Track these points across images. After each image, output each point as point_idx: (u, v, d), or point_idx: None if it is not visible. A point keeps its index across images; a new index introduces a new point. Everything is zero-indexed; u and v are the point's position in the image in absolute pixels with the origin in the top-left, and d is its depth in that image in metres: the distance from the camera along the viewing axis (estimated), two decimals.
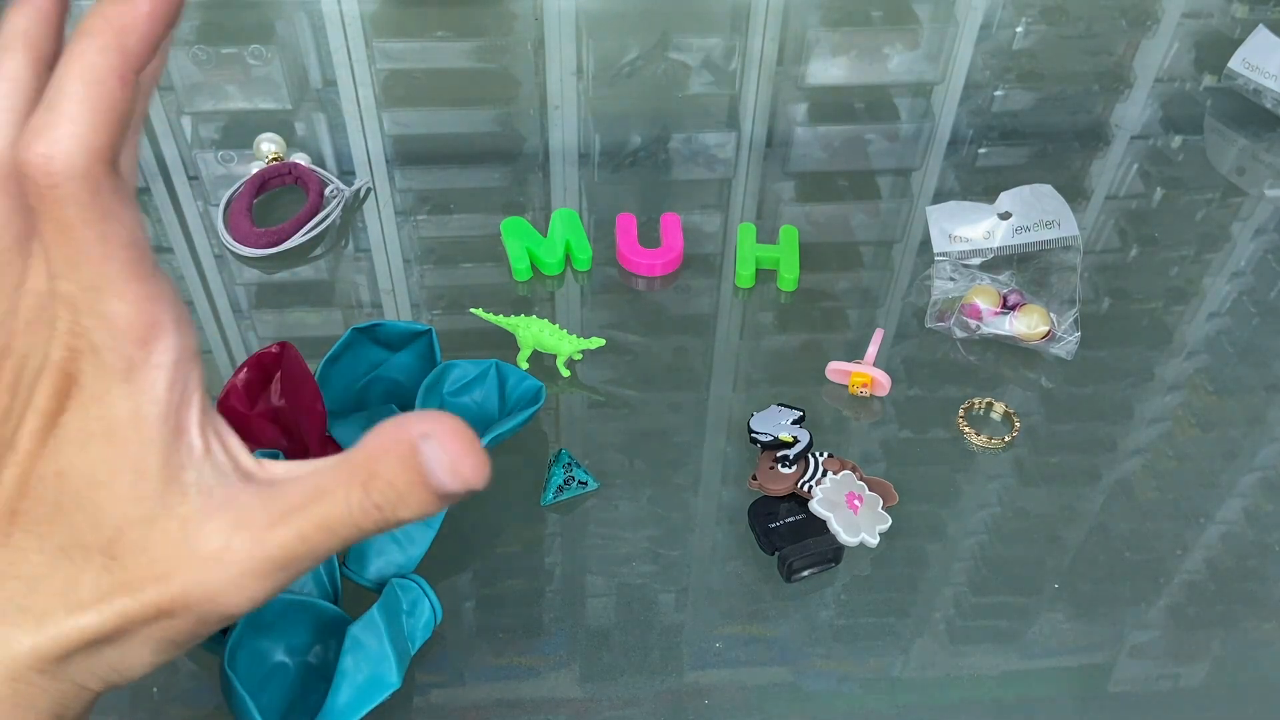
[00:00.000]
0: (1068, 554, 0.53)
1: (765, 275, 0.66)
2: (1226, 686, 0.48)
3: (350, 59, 0.81)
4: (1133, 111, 0.81)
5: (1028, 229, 0.66)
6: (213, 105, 0.78)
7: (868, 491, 0.53)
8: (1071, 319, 0.61)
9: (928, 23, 0.86)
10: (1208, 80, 0.83)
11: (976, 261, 0.66)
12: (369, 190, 0.72)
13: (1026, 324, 0.61)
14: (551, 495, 0.53)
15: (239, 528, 0.26)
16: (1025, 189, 0.67)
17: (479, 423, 0.54)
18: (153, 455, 0.26)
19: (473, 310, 0.61)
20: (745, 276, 0.65)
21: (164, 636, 0.27)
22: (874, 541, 0.51)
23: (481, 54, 0.85)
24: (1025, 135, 0.79)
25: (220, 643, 0.43)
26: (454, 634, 0.49)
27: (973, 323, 0.61)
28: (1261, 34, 0.80)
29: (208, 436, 0.27)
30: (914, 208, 0.72)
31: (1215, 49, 0.84)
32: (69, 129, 0.23)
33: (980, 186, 0.73)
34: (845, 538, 0.51)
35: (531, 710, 0.46)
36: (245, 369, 0.52)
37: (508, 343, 0.60)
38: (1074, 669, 0.49)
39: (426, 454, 0.26)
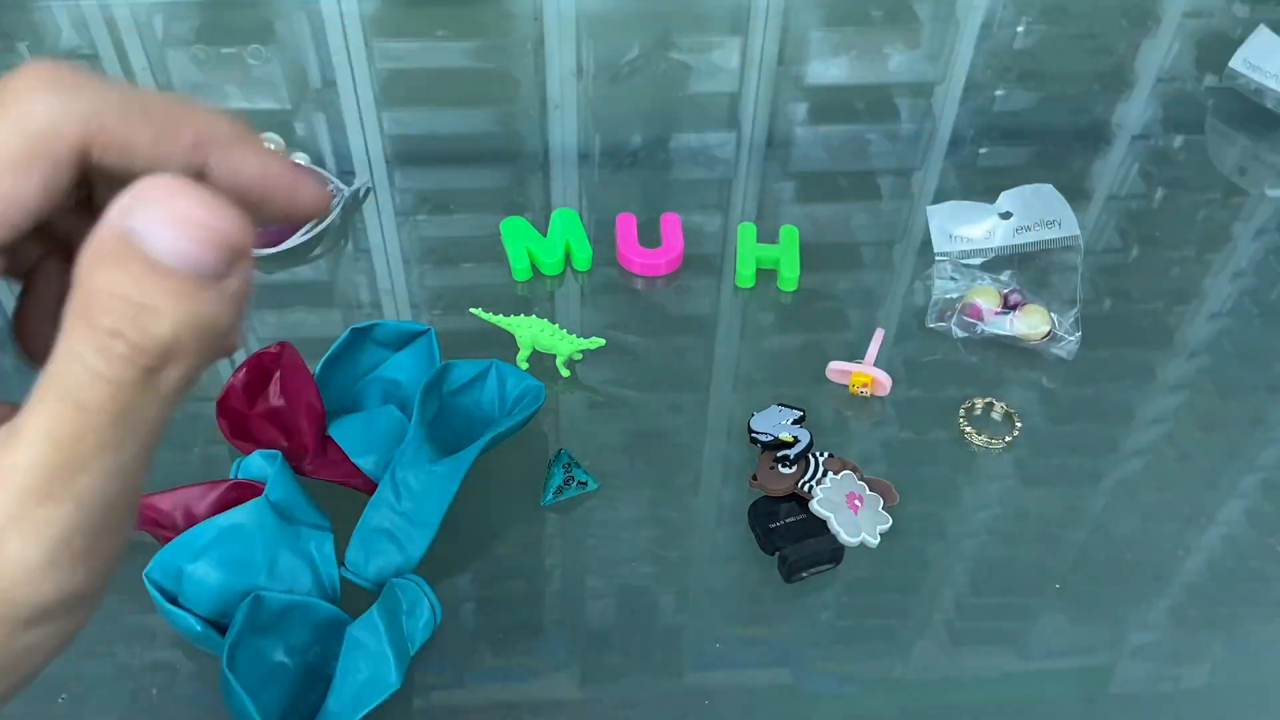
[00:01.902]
0: (1069, 555, 0.53)
1: (765, 275, 0.66)
2: (1228, 688, 0.48)
3: (350, 59, 0.81)
4: (1134, 111, 0.81)
5: (1028, 229, 0.66)
6: (213, 105, 0.78)
7: (868, 492, 0.53)
8: (1072, 319, 0.61)
9: (928, 23, 0.86)
10: (1209, 80, 0.83)
11: (977, 261, 0.66)
12: (369, 190, 0.72)
13: (1027, 324, 0.60)
14: (551, 495, 0.53)
15: None
16: (1026, 189, 0.67)
17: (479, 423, 0.54)
18: None
19: (472, 310, 0.61)
20: (745, 276, 0.65)
21: None
22: (874, 542, 0.51)
23: (481, 54, 0.85)
24: (1026, 135, 0.79)
25: (220, 643, 0.43)
26: (454, 634, 0.49)
27: (973, 323, 0.61)
28: (1262, 33, 0.79)
29: None
30: (914, 208, 0.72)
31: (1216, 48, 0.84)
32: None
33: (981, 186, 0.73)
34: (845, 538, 0.51)
35: (531, 710, 0.46)
36: (245, 369, 0.52)
37: (508, 343, 0.60)
38: (1075, 670, 0.49)
39: (138, 226, 0.20)
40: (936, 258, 0.66)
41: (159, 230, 0.20)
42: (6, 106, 0.22)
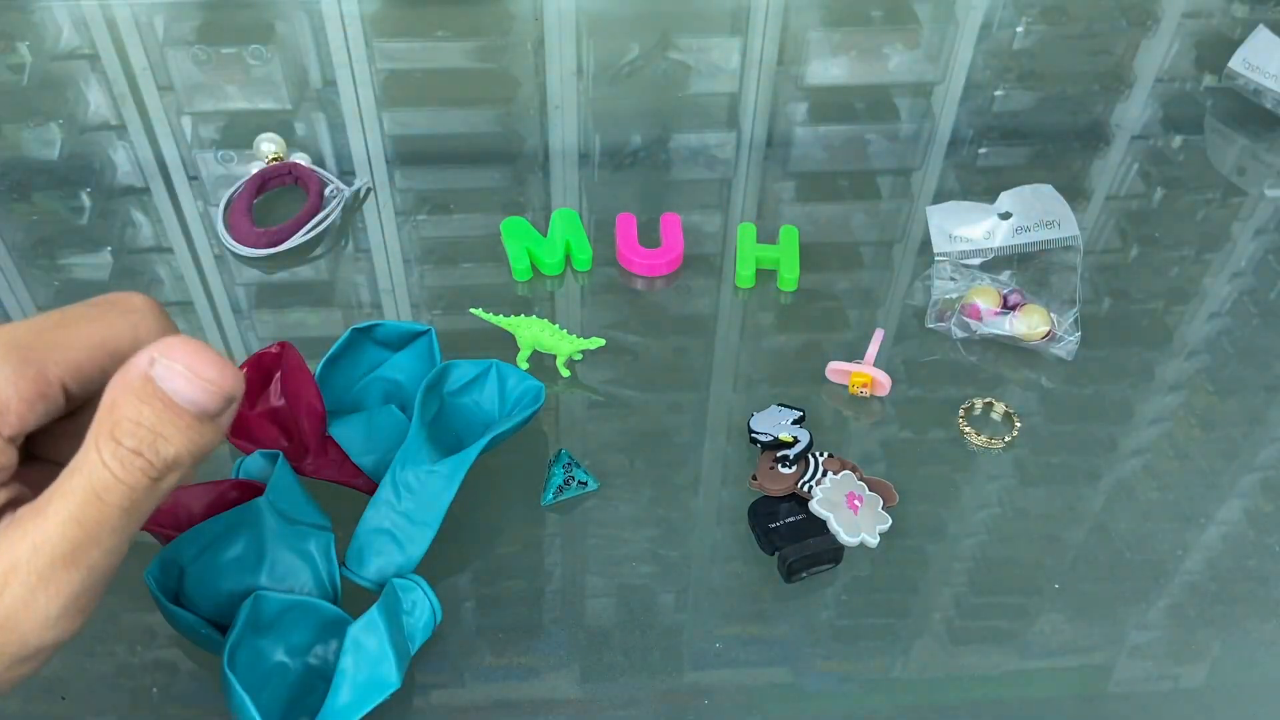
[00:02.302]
0: (1068, 554, 0.53)
1: (765, 275, 0.66)
2: (1226, 687, 0.48)
3: (350, 59, 0.81)
4: (1133, 111, 0.81)
5: (1028, 229, 0.66)
6: (213, 105, 0.78)
7: (868, 492, 0.53)
8: (1072, 319, 0.61)
9: (928, 23, 0.86)
10: (1208, 80, 0.83)
11: (976, 261, 0.66)
12: (369, 190, 0.72)
13: (1027, 324, 0.61)
14: (551, 495, 0.53)
15: (12, 543, 0.27)
16: (1025, 189, 0.67)
17: (479, 423, 0.54)
18: None
19: (472, 310, 0.61)
20: (745, 276, 0.65)
21: None
22: (874, 541, 0.51)
23: (481, 54, 0.85)
24: (1025, 135, 0.79)
25: (220, 643, 0.43)
26: (454, 634, 0.49)
27: (973, 323, 0.61)
28: (1262, 34, 0.79)
29: None
30: (914, 208, 0.72)
31: (1215, 49, 0.84)
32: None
33: (980, 186, 0.73)
34: (845, 538, 0.51)
35: (531, 710, 0.46)
36: (245, 369, 0.52)
37: (508, 343, 0.60)
38: (1074, 669, 0.49)
39: (160, 374, 0.27)
40: (936, 258, 0.66)
41: (177, 380, 0.27)
42: (125, 313, 0.31)
